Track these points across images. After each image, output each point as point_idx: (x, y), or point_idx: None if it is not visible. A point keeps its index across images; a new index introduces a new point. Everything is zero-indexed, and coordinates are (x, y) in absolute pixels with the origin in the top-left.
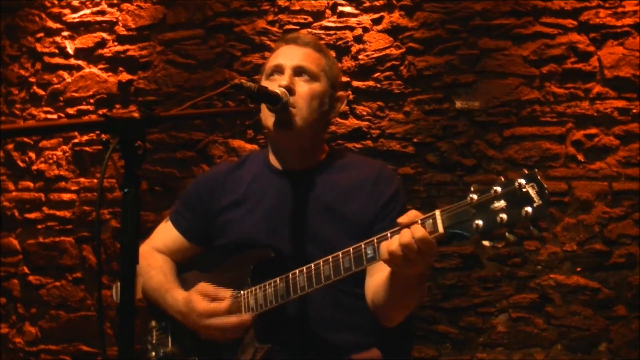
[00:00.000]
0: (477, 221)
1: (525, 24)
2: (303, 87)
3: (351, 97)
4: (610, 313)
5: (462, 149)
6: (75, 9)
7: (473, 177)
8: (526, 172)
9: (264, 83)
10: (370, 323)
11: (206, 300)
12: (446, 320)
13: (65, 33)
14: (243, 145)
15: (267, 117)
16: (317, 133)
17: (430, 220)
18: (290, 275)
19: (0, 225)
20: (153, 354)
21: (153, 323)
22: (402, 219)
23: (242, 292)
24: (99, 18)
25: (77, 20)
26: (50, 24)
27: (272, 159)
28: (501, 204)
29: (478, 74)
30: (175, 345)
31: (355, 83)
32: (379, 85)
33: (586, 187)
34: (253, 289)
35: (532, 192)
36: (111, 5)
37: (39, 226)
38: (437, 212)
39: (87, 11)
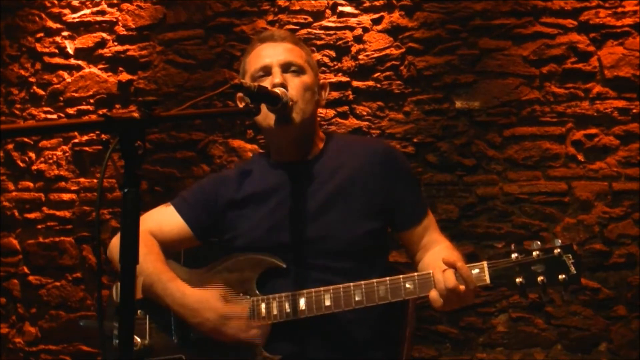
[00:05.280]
0: (519, 279)
1: (525, 24)
2: (294, 81)
3: (351, 97)
4: (610, 313)
5: (462, 149)
6: (75, 9)
7: (473, 177)
8: (564, 243)
9: None
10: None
11: (224, 302)
12: (446, 320)
13: (65, 33)
14: (243, 145)
15: (267, 117)
16: (313, 122)
17: (478, 270)
18: (314, 293)
19: (0, 225)
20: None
21: None
22: (448, 259)
23: (250, 298)
24: (99, 18)
25: (77, 20)
26: (50, 24)
27: (274, 156)
28: (541, 266)
29: (478, 74)
30: (157, 338)
31: (355, 83)
32: (379, 85)
33: (586, 187)
34: (265, 297)
35: (568, 262)
36: (111, 5)
37: (39, 226)
38: (485, 264)
39: (87, 11)
